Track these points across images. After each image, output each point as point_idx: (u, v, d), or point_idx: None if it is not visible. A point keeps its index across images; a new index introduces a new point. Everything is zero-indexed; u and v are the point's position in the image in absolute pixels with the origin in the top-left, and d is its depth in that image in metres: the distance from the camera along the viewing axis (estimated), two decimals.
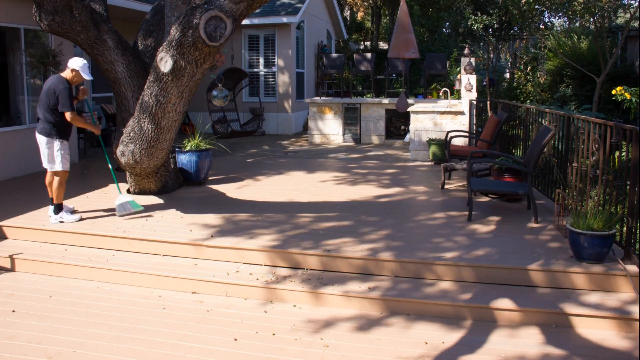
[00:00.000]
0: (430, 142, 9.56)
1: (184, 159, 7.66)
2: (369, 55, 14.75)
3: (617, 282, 4.38)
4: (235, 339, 3.97)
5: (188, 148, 7.65)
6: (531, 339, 3.91)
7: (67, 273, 5.22)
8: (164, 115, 5.89)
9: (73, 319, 4.33)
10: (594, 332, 3.98)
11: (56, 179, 6.02)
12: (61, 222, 5.93)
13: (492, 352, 3.75)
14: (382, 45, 23.60)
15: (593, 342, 3.86)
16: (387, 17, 23.41)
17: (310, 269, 4.95)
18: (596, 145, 5.03)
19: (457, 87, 12.33)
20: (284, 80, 14.22)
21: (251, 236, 5.40)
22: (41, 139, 5.95)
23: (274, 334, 4.04)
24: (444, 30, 22.77)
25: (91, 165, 9.58)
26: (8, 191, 7.49)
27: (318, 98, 12.94)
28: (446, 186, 7.54)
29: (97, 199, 7.03)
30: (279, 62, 14.16)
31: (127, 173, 7.02)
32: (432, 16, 21.63)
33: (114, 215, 6.26)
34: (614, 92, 8.92)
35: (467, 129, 9.67)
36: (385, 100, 12.21)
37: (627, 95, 8.72)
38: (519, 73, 15.67)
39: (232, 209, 6.44)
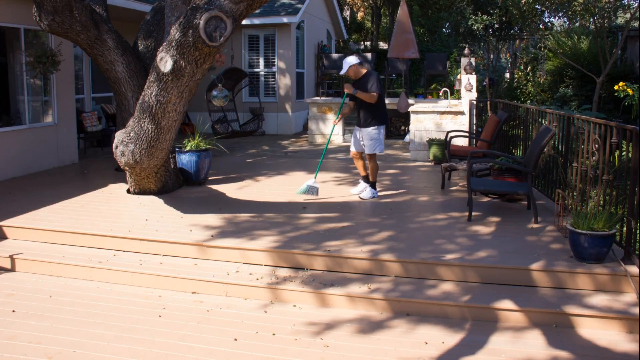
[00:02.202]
0: (430, 142, 9.56)
1: (184, 159, 7.66)
2: (369, 55, 14.75)
3: (618, 282, 4.38)
4: (235, 339, 3.97)
5: (188, 148, 7.65)
6: (535, 339, 3.90)
7: (67, 273, 5.21)
8: (164, 115, 5.89)
9: (73, 319, 4.32)
10: (597, 333, 3.98)
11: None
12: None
13: (495, 352, 3.74)
14: (382, 45, 23.62)
15: (597, 343, 3.85)
16: (387, 17, 23.42)
17: (311, 270, 4.95)
18: (596, 146, 5.03)
19: (457, 87, 12.33)
20: (284, 80, 14.22)
21: (252, 237, 5.40)
22: None
23: (274, 334, 4.04)
24: (444, 30, 22.78)
25: (91, 165, 9.58)
26: (8, 191, 7.49)
27: (318, 98, 12.93)
28: (446, 186, 7.54)
29: (97, 199, 7.03)
30: (279, 62, 14.16)
31: (127, 173, 7.01)
32: (432, 16, 21.63)
33: (114, 215, 6.27)
34: (616, 87, 8.91)
35: (467, 129, 9.67)
36: (386, 100, 12.18)
37: (630, 91, 8.71)
38: (519, 73, 15.67)
39: (233, 209, 6.44)
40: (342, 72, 6.75)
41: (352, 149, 7.00)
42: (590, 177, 5.17)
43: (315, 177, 7.17)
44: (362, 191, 6.96)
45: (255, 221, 5.95)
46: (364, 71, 6.76)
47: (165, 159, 6.83)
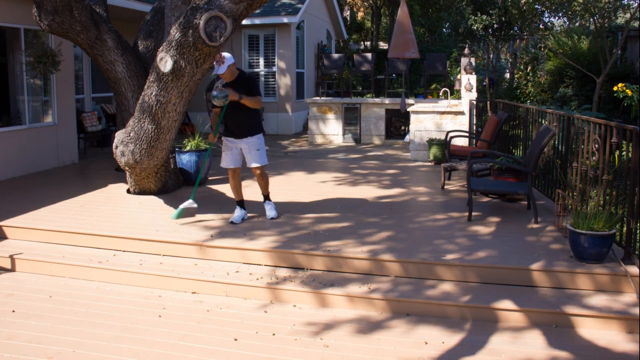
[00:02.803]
0: (430, 142, 9.56)
1: (184, 159, 7.66)
2: (369, 55, 14.76)
3: (618, 282, 4.38)
4: (235, 339, 3.97)
5: (188, 148, 7.65)
6: (535, 339, 3.90)
7: (67, 273, 5.21)
8: (164, 115, 5.89)
9: (73, 319, 4.33)
10: (597, 333, 3.98)
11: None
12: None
13: (495, 352, 3.74)
14: (382, 45, 23.62)
15: (597, 343, 3.85)
16: (387, 17, 23.42)
17: (311, 270, 4.95)
18: (596, 146, 5.03)
19: (457, 87, 12.33)
20: (284, 80, 14.22)
21: (251, 237, 5.40)
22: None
23: (274, 334, 4.04)
24: (444, 30, 22.78)
25: (91, 165, 9.58)
26: (8, 191, 7.49)
27: (318, 98, 12.94)
28: (446, 186, 7.54)
29: (97, 199, 7.03)
30: (279, 62, 14.16)
31: (127, 173, 7.02)
32: (432, 16, 21.64)
33: (114, 215, 6.26)
34: (615, 88, 8.92)
35: (467, 129, 9.67)
36: (386, 100, 12.21)
37: (629, 92, 8.71)
38: (519, 73, 15.67)
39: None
40: (222, 70, 5.50)
41: (230, 165, 5.90)
42: (590, 177, 5.18)
43: (192, 197, 6.13)
44: (266, 211, 6.08)
45: (255, 221, 5.95)
46: (237, 72, 5.71)
47: (165, 159, 6.83)
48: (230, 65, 5.57)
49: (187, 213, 6.02)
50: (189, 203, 6.04)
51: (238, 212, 6.00)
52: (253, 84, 5.70)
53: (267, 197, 6.16)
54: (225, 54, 5.58)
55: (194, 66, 5.49)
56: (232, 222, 5.88)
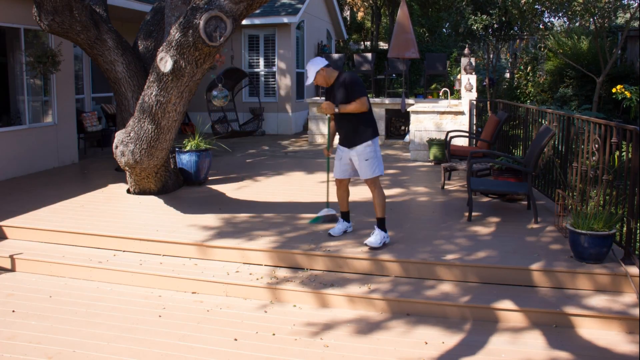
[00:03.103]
0: (430, 142, 9.56)
1: (184, 159, 7.66)
2: (369, 55, 14.76)
3: (618, 282, 4.38)
4: (235, 339, 3.97)
5: (188, 148, 7.65)
6: (535, 340, 3.90)
7: (67, 273, 5.21)
8: (164, 115, 5.89)
9: (73, 319, 4.33)
10: (596, 333, 3.97)
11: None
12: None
13: (495, 352, 3.74)
14: (382, 45, 23.63)
15: (596, 344, 3.85)
16: (387, 17, 23.42)
17: (311, 270, 4.95)
18: (596, 146, 5.03)
19: (457, 87, 12.33)
20: (284, 80, 14.22)
21: (251, 237, 5.40)
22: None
23: (274, 334, 4.04)
24: (444, 30, 22.78)
25: (91, 165, 9.58)
26: (8, 191, 7.49)
27: (318, 98, 12.91)
28: (446, 187, 7.54)
29: (97, 199, 7.03)
30: (279, 62, 14.15)
31: (127, 173, 7.02)
32: (432, 16, 21.64)
33: (114, 215, 6.27)
34: (614, 90, 8.92)
35: (467, 129, 9.66)
36: (386, 100, 12.19)
37: (627, 94, 8.73)
38: (519, 73, 15.68)
39: (232, 209, 6.44)
40: (309, 81, 5.02)
41: (336, 176, 5.36)
42: (590, 177, 5.18)
43: (327, 205, 5.94)
44: (370, 235, 5.09)
45: (254, 221, 5.95)
46: (335, 74, 5.07)
47: (165, 159, 6.83)
48: (319, 71, 4.98)
49: (326, 219, 5.83)
50: (326, 211, 5.88)
51: (339, 225, 5.41)
52: (351, 87, 4.93)
53: (378, 220, 5.07)
54: (313, 60, 5.03)
55: (194, 66, 5.49)
56: (329, 234, 5.36)
